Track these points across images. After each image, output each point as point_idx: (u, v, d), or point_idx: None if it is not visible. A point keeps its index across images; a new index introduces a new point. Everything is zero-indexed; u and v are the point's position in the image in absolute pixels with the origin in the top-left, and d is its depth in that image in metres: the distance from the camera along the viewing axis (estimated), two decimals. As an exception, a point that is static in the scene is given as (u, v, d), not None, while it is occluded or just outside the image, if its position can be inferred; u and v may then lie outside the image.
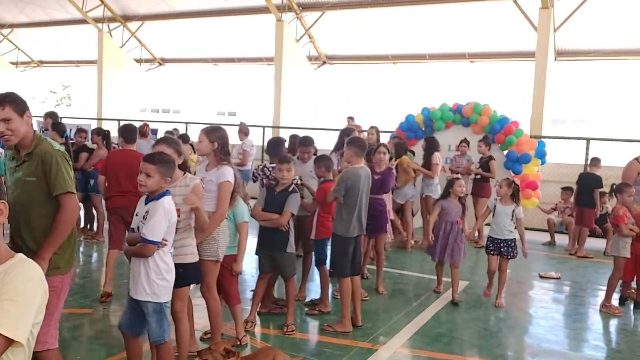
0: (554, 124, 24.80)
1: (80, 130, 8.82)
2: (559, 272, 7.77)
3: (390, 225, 6.98)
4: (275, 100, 16.10)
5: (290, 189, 4.86)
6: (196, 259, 3.91)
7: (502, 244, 6.09)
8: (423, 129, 10.87)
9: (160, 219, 3.37)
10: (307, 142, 6.15)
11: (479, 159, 9.47)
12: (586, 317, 6.09)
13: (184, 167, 3.96)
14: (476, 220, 9.57)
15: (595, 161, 9.60)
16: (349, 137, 5.25)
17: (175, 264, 3.59)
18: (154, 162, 3.44)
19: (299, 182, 5.39)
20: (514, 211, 6.04)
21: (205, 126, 4.40)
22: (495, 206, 6.13)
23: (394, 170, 7.32)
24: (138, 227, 3.48)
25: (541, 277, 7.58)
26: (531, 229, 10.44)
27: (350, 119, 15.14)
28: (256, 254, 5.13)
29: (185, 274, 3.76)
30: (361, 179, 4.97)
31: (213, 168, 4.20)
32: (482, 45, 15.79)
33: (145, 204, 3.50)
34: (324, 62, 17.91)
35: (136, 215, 3.56)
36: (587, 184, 9.17)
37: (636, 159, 6.49)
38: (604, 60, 15.46)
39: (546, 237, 10.09)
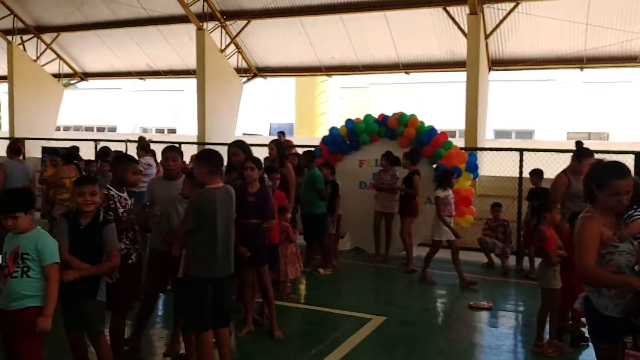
0: (497, 136, 24.50)
1: None
2: (490, 301, 6.83)
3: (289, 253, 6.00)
4: (199, 114, 14.93)
5: (101, 219, 3.70)
6: None
7: None
8: (348, 142, 9.97)
9: None
10: (171, 147, 4.81)
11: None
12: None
13: None
14: (403, 242, 8.71)
15: (536, 174, 8.67)
16: (198, 153, 4.05)
17: None
18: None
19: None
20: None
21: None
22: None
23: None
24: None
25: (471, 307, 6.65)
26: (467, 249, 9.62)
27: (282, 134, 14.26)
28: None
29: None
30: (217, 203, 3.86)
31: None
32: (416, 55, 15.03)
33: None
34: (255, 75, 16.87)
35: None
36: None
37: (564, 172, 5.65)
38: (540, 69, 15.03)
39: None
